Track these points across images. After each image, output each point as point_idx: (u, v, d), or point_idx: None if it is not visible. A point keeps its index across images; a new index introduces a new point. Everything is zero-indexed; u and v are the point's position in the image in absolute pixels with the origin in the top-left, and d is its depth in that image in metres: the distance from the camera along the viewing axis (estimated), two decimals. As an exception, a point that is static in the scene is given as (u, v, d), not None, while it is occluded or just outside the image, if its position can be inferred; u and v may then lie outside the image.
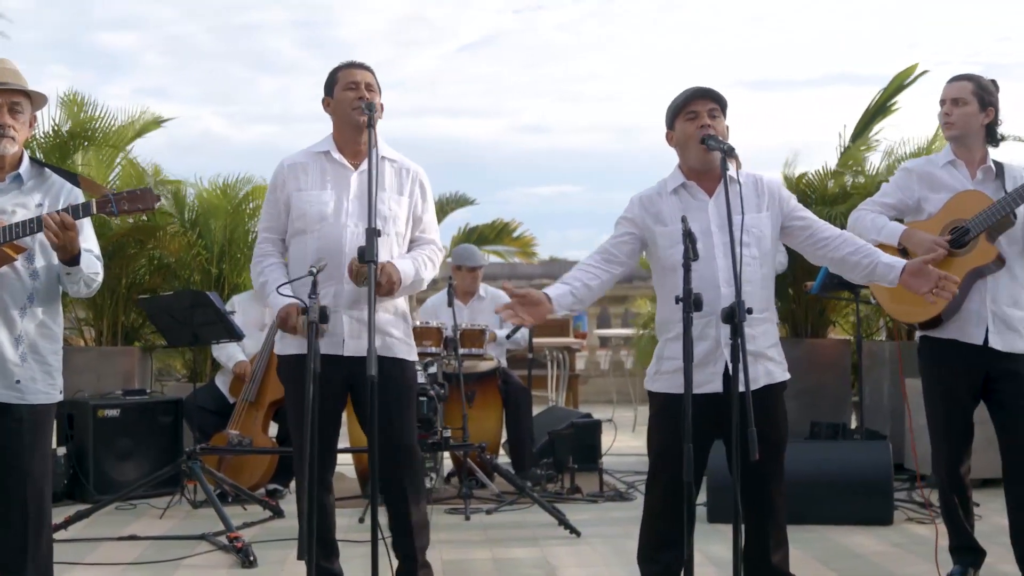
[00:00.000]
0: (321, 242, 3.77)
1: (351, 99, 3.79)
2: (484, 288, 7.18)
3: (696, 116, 3.44)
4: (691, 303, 3.10)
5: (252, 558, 4.69)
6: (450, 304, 6.30)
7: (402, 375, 3.89)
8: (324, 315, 3.35)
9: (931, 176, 4.24)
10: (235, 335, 5.88)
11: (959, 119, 4.17)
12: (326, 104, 3.90)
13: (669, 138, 3.56)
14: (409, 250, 3.93)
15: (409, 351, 3.94)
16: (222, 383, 6.56)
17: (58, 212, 3.33)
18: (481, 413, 6.57)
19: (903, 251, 4.23)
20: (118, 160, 7.35)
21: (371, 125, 3.61)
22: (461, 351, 6.23)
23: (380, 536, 3.29)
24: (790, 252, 6.46)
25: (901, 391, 6.25)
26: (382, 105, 3.89)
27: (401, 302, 3.94)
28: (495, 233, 11.65)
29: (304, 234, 3.81)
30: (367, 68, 3.90)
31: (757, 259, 3.46)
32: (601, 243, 3.63)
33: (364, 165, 3.82)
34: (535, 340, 9.93)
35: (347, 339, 3.78)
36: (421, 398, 5.29)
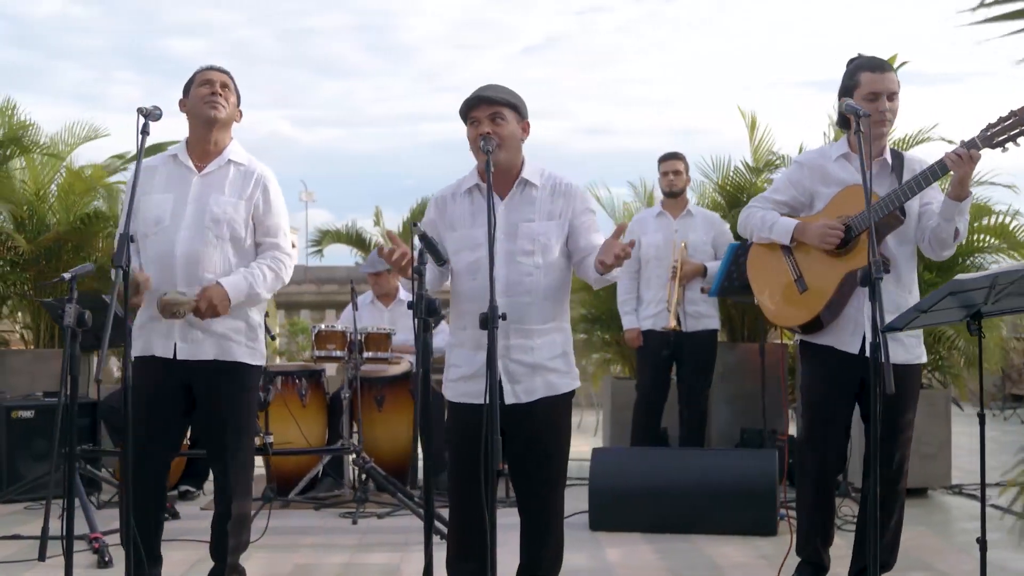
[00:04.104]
0: (156, 247, 3.82)
1: (204, 94, 3.86)
2: (405, 292, 7.16)
3: (477, 123, 3.39)
4: (423, 308, 3.06)
5: (107, 559, 4.73)
6: (354, 308, 6.31)
7: (238, 378, 3.92)
8: (81, 320, 3.37)
9: (823, 170, 3.97)
10: (135, 338, 5.94)
11: (894, 115, 3.88)
12: (182, 105, 3.94)
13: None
14: (257, 255, 3.95)
15: (251, 356, 3.94)
16: (139, 386, 6.63)
17: None
18: (392, 417, 6.55)
19: (788, 249, 4.00)
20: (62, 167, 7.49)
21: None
22: (366, 354, 6.23)
23: (136, 539, 3.31)
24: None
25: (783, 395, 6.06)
26: (241, 112, 4.00)
27: (251, 309, 3.94)
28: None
29: (146, 238, 3.86)
30: (225, 71, 3.96)
31: (541, 268, 3.37)
32: None
33: (208, 168, 3.89)
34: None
35: (179, 343, 3.82)
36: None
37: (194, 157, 3.90)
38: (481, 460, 3.05)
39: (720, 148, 6.71)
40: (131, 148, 8.24)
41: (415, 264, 3.09)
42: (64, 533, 3.27)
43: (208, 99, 3.84)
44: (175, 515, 5.71)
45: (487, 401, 2.97)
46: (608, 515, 5.41)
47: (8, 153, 7.15)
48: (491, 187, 3.21)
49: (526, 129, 3.46)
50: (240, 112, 4.01)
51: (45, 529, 3.20)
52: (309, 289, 21.60)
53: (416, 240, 3.11)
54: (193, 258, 3.78)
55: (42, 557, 3.29)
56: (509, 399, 3.32)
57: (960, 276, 2.90)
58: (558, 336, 3.47)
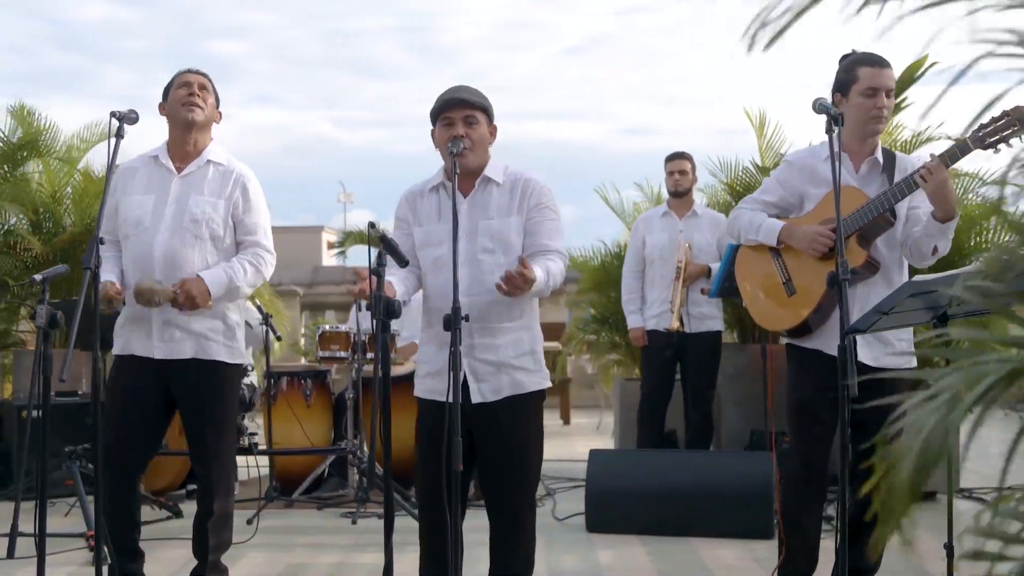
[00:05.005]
0: (136, 247, 3.89)
1: (181, 96, 3.93)
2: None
3: (451, 124, 3.40)
4: (381, 309, 3.07)
5: (102, 555, 4.79)
6: (358, 309, 6.34)
7: (217, 377, 3.97)
8: (53, 320, 3.42)
9: (813, 170, 3.84)
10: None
11: (890, 112, 3.78)
12: (162, 109, 4.02)
13: (433, 136, 3.50)
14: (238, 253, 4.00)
15: (229, 354, 3.99)
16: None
17: None
18: (397, 418, 6.54)
19: (776, 252, 3.92)
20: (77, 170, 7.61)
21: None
22: (370, 355, 6.25)
23: (106, 541, 3.36)
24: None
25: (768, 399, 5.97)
26: (220, 114, 4.07)
27: (229, 308, 4.00)
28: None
29: (127, 239, 3.95)
30: (203, 74, 4.03)
31: (503, 266, 3.33)
32: None
33: (188, 168, 3.95)
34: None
35: (157, 343, 3.87)
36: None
37: (174, 158, 3.97)
38: (444, 464, 3.07)
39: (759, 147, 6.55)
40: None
41: (373, 266, 3.10)
42: (36, 531, 3.33)
43: (186, 100, 3.90)
44: (178, 514, 5.78)
45: (449, 400, 2.99)
46: (605, 517, 5.39)
47: (25, 156, 7.27)
48: (455, 192, 3.22)
49: (494, 133, 3.48)
50: (219, 113, 4.06)
51: (14, 526, 3.25)
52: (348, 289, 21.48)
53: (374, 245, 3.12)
54: (172, 258, 3.84)
55: (11, 555, 3.34)
56: (476, 398, 3.32)
57: (919, 277, 2.84)
58: (525, 335, 3.44)
